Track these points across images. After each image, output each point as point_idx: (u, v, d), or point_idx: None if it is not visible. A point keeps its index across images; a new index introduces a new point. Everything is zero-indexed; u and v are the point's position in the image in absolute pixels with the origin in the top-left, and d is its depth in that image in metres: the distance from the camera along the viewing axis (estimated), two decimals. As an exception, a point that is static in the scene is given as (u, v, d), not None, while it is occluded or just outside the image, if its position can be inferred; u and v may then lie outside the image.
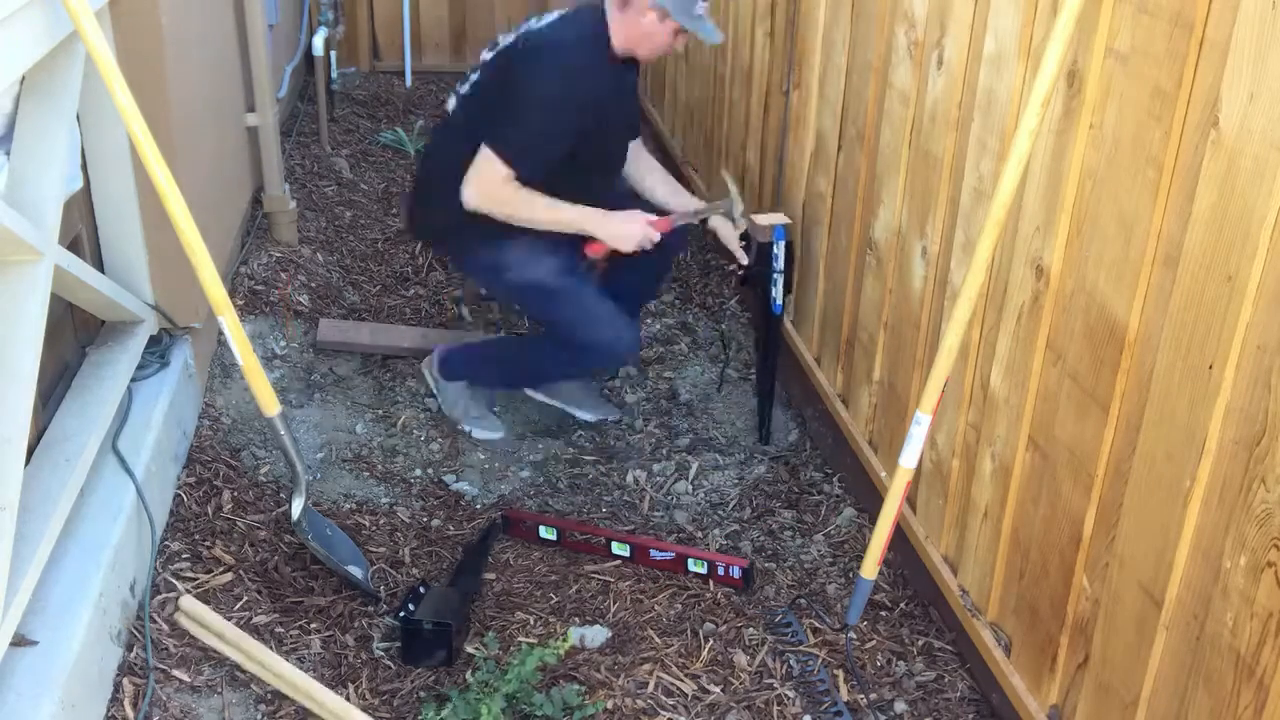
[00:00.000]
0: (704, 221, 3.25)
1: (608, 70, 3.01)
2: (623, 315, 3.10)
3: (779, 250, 3.15)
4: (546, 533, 2.80)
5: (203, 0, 3.14)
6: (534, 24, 3.06)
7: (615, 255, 3.05)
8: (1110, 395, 1.80)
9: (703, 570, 2.65)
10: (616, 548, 2.73)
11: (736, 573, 2.62)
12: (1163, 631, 1.69)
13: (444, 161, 3.08)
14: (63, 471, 2.16)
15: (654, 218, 3.05)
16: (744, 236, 3.19)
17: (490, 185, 2.91)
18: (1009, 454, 2.13)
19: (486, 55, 3.11)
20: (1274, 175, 1.41)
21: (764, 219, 3.19)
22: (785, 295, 3.21)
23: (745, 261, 3.19)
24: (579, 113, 2.92)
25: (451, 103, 3.18)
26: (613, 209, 3.04)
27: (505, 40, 3.07)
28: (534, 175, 2.91)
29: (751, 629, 2.48)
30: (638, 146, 3.35)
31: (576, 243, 3.06)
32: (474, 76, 3.11)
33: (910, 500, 2.58)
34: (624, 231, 3.00)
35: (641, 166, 3.34)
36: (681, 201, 3.29)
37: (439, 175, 3.11)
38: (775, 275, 3.17)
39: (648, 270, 3.33)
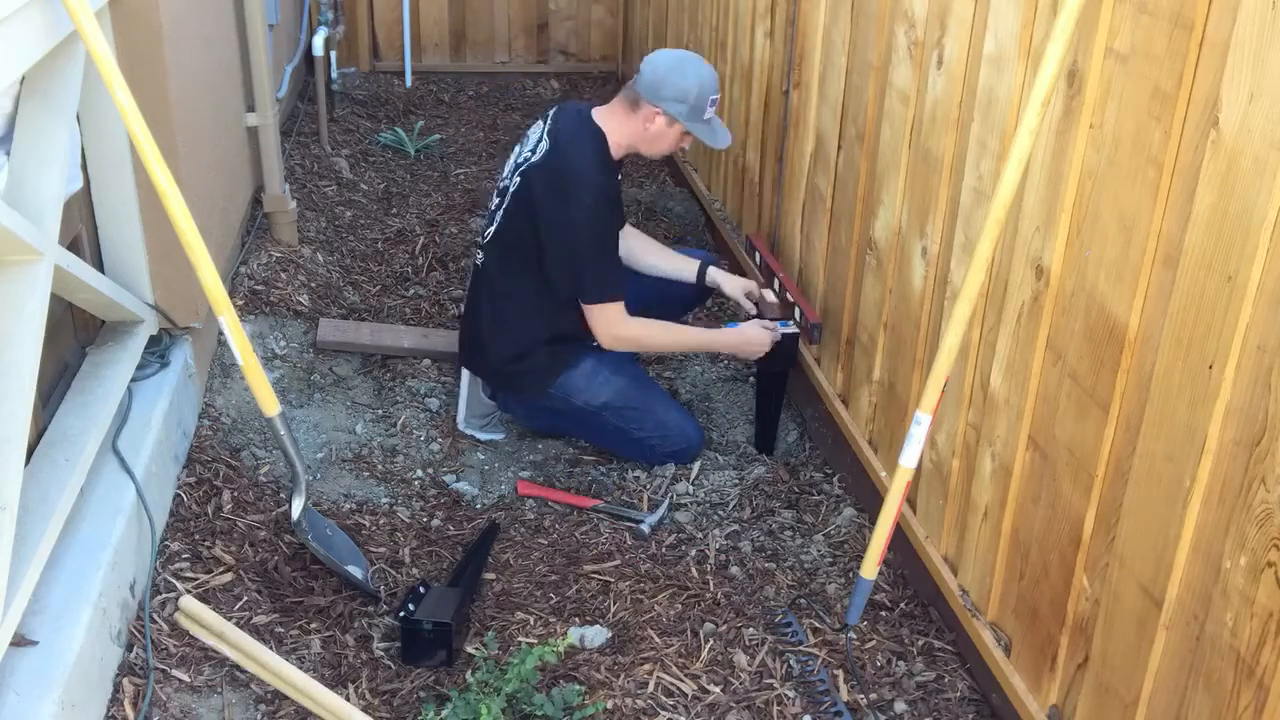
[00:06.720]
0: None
1: (614, 174, 3.11)
2: (686, 417, 3.19)
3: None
4: None
5: (203, 0, 3.14)
6: (529, 155, 3.06)
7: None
8: (1110, 395, 1.80)
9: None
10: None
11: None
12: (1163, 631, 1.69)
13: (491, 309, 3.14)
14: (63, 471, 2.16)
15: (767, 322, 3.18)
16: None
17: (616, 327, 3.03)
18: (1009, 454, 2.13)
19: (496, 201, 3.15)
20: (1274, 175, 1.41)
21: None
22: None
23: (754, 314, 3.29)
24: (616, 224, 3.10)
25: (479, 257, 3.20)
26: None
27: (510, 182, 3.09)
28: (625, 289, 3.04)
29: (751, 629, 2.48)
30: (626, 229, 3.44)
31: (622, 357, 3.18)
32: (493, 227, 3.13)
33: (910, 500, 2.58)
34: (757, 344, 3.13)
35: (636, 245, 3.41)
36: (672, 261, 3.39)
37: (489, 326, 3.15)
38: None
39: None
